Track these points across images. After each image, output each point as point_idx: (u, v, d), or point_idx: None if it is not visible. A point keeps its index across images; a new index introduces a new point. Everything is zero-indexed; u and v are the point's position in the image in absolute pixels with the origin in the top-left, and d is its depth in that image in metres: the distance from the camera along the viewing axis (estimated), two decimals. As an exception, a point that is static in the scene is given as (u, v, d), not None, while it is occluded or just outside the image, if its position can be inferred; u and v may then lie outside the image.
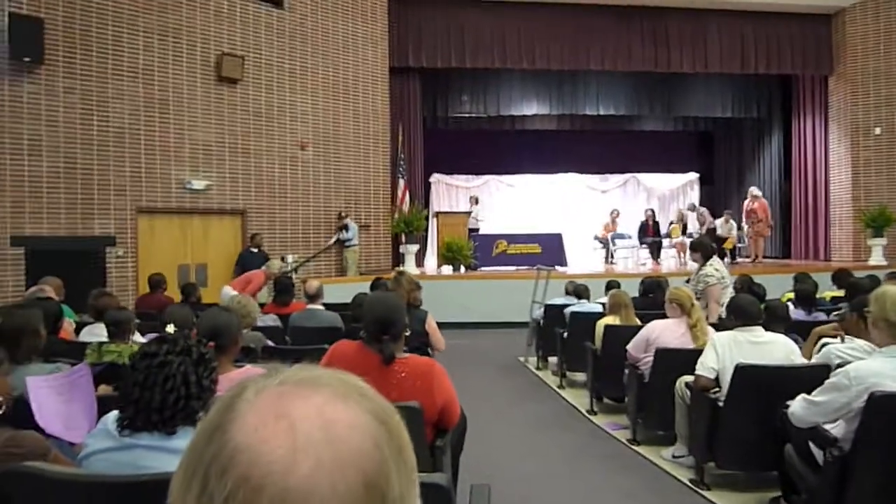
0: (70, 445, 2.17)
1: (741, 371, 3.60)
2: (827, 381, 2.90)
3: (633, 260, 13.53)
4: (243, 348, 3.26)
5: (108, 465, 1.68)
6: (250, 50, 10.37)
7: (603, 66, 13.24)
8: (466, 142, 16.38)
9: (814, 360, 3.75)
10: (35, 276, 6.98)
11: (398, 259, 12.13)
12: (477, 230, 12.88)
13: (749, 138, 16.06)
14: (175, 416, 1.66)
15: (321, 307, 5.65)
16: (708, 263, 5.83)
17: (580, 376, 6.70)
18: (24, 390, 2.28)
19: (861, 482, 2.77)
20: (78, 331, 4.66)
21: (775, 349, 3.78)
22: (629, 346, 4.81)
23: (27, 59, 8.29)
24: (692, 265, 6.53)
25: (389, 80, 12.23)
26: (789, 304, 5.85)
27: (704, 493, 3.86)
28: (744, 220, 13.06)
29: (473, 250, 11.84)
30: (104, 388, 2.89)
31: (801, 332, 4.48)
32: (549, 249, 12.34)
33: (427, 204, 13.83)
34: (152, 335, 3.16)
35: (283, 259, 10.49)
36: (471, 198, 13.32)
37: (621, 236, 13.94)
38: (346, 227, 10.86)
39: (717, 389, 3.82)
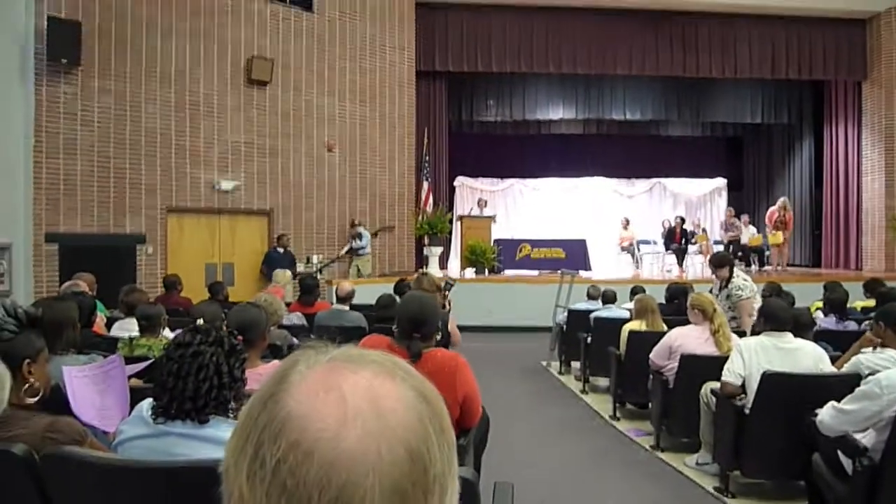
0: (104, 433, 2.23)
1: (769, 378, 3.55)
2: (857, 390, 2.85)
3: (658, 266, 13.40)
4: (270, 345, 3.31)
5: (143, 452, 1.72)
6: (280, 53, 10.53)
7: (630, 71, 13.16)
8: (491, 145, 16.40)
9: (843, 370, 3.69)
10: (68, 272, 7.15)
11: (421, 261, 12.18)
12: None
13: (779, 144, 15.82)
14: (207, 405, 1.70)
15: (346, 308, 5.70)
16: (735, 275, 5.78)
17: (603, 381, 6.65)
18: (60, 380, 2.36)
19: (891, 492, 2.72)
20: (109, 326, 4.77)
21: (804, 356, 3.72)
22: (652, 355, 4.77)
23: (64, 61, 8.53)
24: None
25: (416, 83, 12.31)
26: (819, 312, 5.76)
27: (729, 501, 3.81)
28: (769, 227, 12.82)
29: (497, 254, 11.83)
30: (135, 381, 2.95)
31: (831, 342, 4.41)
32: (574, 254, 12.27)
33: (451, 207, 13.87)
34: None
35: (308, 260, 10.61)
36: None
37: (646, 242, 13.81)
38: (359, 236, 10.83)
39: (742, 396, 3.78)
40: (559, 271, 9.25)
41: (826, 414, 2.93)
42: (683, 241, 13.03)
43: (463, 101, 14.23)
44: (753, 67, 13.12)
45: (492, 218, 12.57)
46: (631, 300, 6.77)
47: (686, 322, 4.81)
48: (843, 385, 3.14)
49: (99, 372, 2.40)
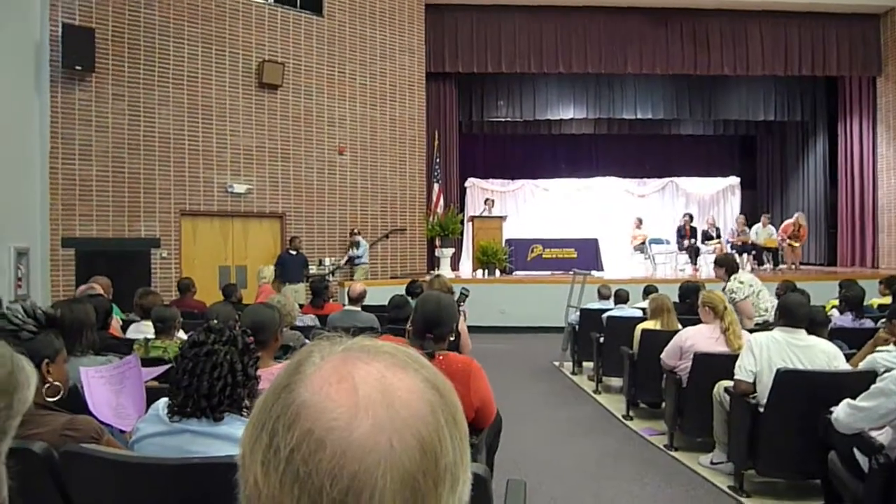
0: (120, 432, 2.27)
1: (784, 376, 3.53)
2: (873, 387, 2.82)
3: (671, 265, 13.33)
4: (282, 346, 3.33)
5: (158, 449, 1.75)
6: (290, 57, 10.60)
7: (640, 69, 13.11)
8: (502, 146, 16.40)
9: (859, 367, 3.65)
10: (84, 275, 7.24)
11: (433, 262, 12.20)
12: None
13: (793, 142, 15.68)
14: (222, 403, 1.73)
15: (358, 309, 5.73)
16: (732, 278, 5.77)
17: (616, 381, 6.63)
18: (78, 380, 2.39)
19: (909, 490, 2.69)
20: (125, 328, 4.83)
21: (817, 353, 3.69)
22: (663, 355, 4.76)
23: (79, 68, 8.65)
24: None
25: (426, 85, 12.34)
26: (834, 310, 5.71)
27: (744, 500, 3.79)
28: (782, 236, 12.74)
29: (508, 255, 11.83)
30: (152, 383, 2.99)
31: (846, 340, 4.38)
32: (585, 254, 12.25)
33: (462, 208, 13.89)
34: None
35: (320, 262, 10.66)
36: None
37: (659, 241, 13.74)
38: (356, 245, 10.76)
39: (754, 394, 3.75)
40: (571, 271, 9.23)
41: (842, 411, 2.91)
42: (693, 239, 12.96)
43: (473, 103, 14.24)
44: (766, 64, 13.02)
45: (503, 218, 12.57)
46: (644, 300, 6.75)
47: (699, 321, 4.79)
48: (859, 382, 3.11)
49: (115, 372, 2.43)
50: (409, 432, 0.50)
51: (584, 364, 7.51)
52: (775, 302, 5.31)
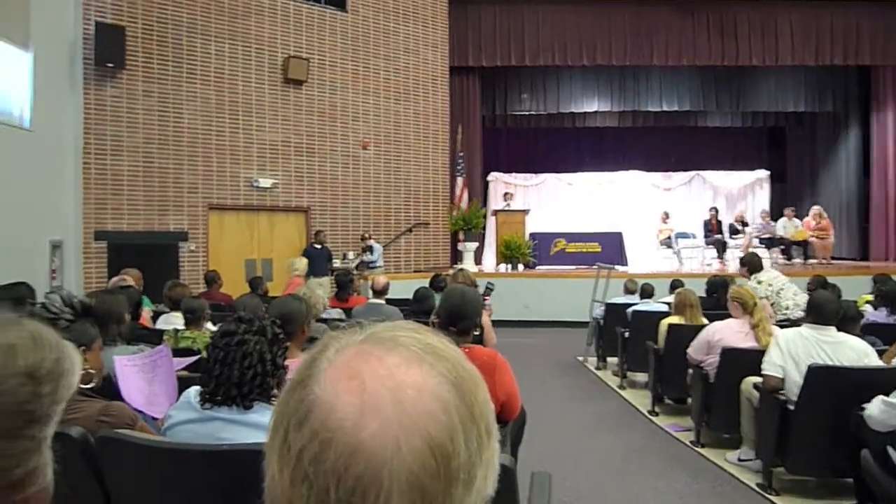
0: (152, 419, 2.32)
1: (815, 372, 3.47)
2: (907, 383, 2.77)
3: (698, 260, 13.15)
4: (310, 338, 3.37)
5: (190, 436, 1.79)
6: (315, 52, 10.67)
7: (666, 61, 12.93)
8: (525, 140, 16.31)
9: (893, 363, 3.58)
10: (116, 268, 7.40)
11: (456, 256, 12.21)
12: None
13: (824, 133, 15.31)
14: (252, 392, 1.76)
15: (383, 302, 5.76)
16: (752, 277, 5.70)
17: (641, 376, 6.58)
18: (111, 368, 2.45)
19: (944, 489, 2.64)
20: (154, 319, 4.93)
21: (847, 350, 3.62)
22: (689, 350, 4.70)
23: (110, 65, 8.82)
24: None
25: (449, 79, 12.33)
26: (867, 306, 5.59)
27: (773, 498, 3.73)
28: (809, 232, 12.49)
29: (532, 249, 11.78)
30: (183, 373, 3.05)
31: (880, 335, 4.29)
32: (609, 248, 12.15)
33: (485, 202, 13.86)
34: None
35: (344, 256, 10.74)
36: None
37: (685, 235, 13.57)
38: (370, 249, 10.65)
39: (783, 391, 3.70)
40: (595, 265, 9.16)
41: (875, 408, 2.86)
42: (720, 233, 12.77)
43: (496, 96, 14.18)
44: (796, 54, 12.75)
45: (526, 212, 12.52)
46: (670, 294, 6.68)
47: (726, 316, 4.73)
48: (893, 378, 3.05)
49: (147, 361, 2.49)
50: (418, 433, 0.49)
51: (609, 359, 7.46)
52: (804, 298, 5.22)
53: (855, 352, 3.61)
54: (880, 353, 3.80)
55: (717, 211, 13.28)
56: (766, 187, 16.51)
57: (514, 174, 16.22)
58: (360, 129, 11.20)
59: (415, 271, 11.30)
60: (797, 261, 12.43)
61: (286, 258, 10.36)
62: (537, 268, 11.90)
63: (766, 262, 12.40)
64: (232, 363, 1.76)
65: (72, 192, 8.75)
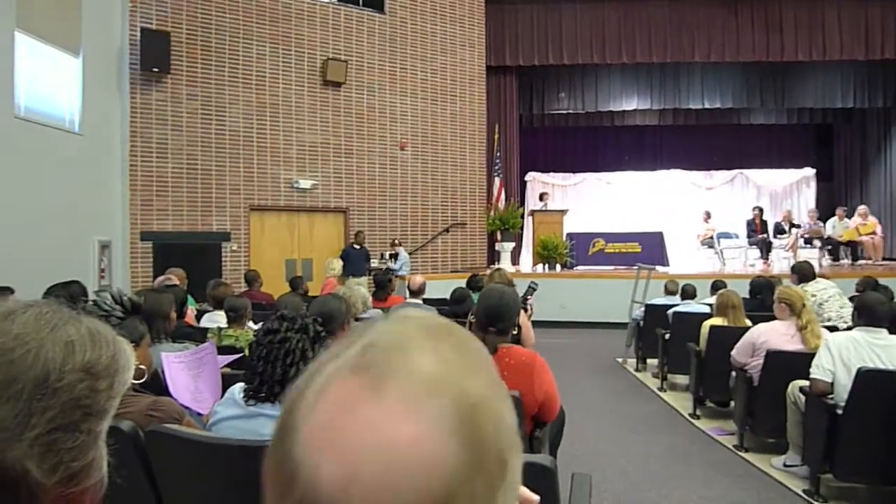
0: (198, 415, 2.38)
1: (865, 375, 3.35)
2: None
3: (741, 260, 12.84)
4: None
5: (235, 432, 1.83)
6: (353, 54, 10.79)
7: (708, 57, 12.66)
8: (563, 139, 16.19)
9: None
10: (161, 267, 7.63)
11: (493, 257, 12.18)
12: None
13: (873, 130, 14.78)
14: (295, 389, 1.79)
15: (420, 301, 5.78)
16: (801, 286, 5.55)
17: (681, 379, 6.46)
18: (159, 364, 2.53)
19: None
20: (198, 318, 5.05)
21: (901, 354, 3.49)
22: (733, 352, 4.59)
23: (156, 70, 9.07)
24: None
25: (486, 79, 12.32)
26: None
27: (820, 505, 3.63)
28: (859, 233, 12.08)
29: (569, 249, 11.68)
30: (225, 370, 3.13)
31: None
32: (650, 248, 11.95)
33: (523, 202, 13.80)
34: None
35: (382, 256, 10.83)
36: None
37: (727, 235, 13.26)
38: (395, 257, 10.54)
39: (832, 395, 3.59)
40: (635, 266, 9.03)
41: (929, 414, 2.75)
42: (765, 233, 12.44)
43: (534, 95, 14.11)
44: (845, 48, 12.33)
45: (563, 212, 12.42)
46: (712, 295, 6.54)
47: (770, 318, 4.60)
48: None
49: (193, 358, 2.56)
50: (414, 495, 0.44)
51: (649, 361, 7.34)
52: (849, 311, 5.06)
53: (909, 356, 3.48)
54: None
55: (761, 210, 12.93)
56: (813, 186, 16.03)
57: (551, 174, 16.11)
58: (398, 130, 11.28)
59: (451, 271, 11.32)
60: (845, 261, 12.03)
61: (325, 258, 10.52)
62: (575, 268, 11.78)
63: (812, 263, 12.07)
64: (275, 360, 1.79)
65: (119, 193, 9.04)
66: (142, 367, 2.03)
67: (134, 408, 1.90)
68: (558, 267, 11.50)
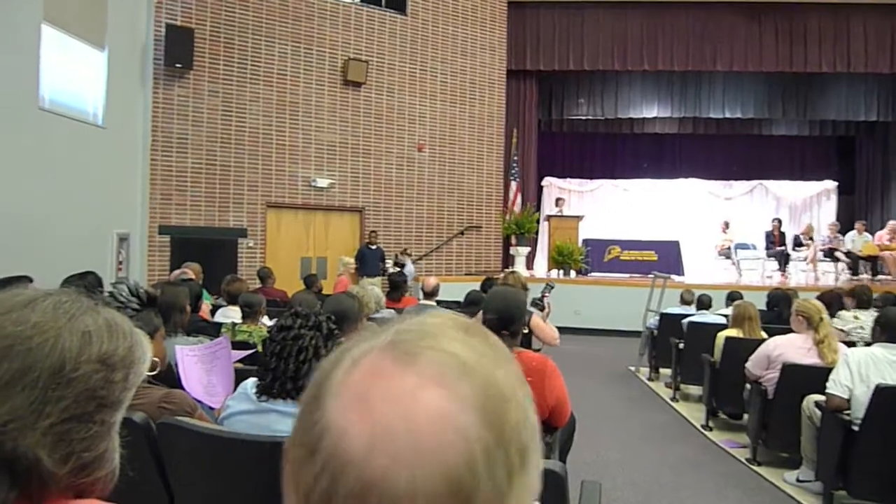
0: (210, 409, 2.39)
1: (882, 392, 3.30)
2: None
3: (758, 272, 12.69)
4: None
5: (247, 426, 1.84)
6: (374, 55, 10.83)
7: (731, 67, 12.55)
8: (581, 145, 16.12)
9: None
10: (178, 261, 7.69)
11: (508, 260, 12.15)
12: None
13: (897, 144, 14.55)
14: (307, 385, 1.79)
15: (433, 303, 5.78)
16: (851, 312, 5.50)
17: (694, 390, 6.41)
18: (172, 357, 2.55)
19: None
20: (213, 312, 5.08)
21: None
22: (748, 364, 4.54)
23: (179, 65, 9.16)
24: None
25: (506, 82, 12.31)
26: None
27: (833, 522, 3.58)
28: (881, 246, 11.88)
29: (585, 255, 11.62)
30: (238, 365, 3.14)
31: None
32: (666, 257, 11.85)
33: (539, 207, 13.75)
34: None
35: (396, 257, 10.84)
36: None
37: (745, 246, 13.11)
38: (402, 266, 10.22)
39: (848, 411, 3.53)
40: (651, 274, 8.96)
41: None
42: (783, 245, 12.29)
43: (553, 100, 14.06)
44: (869, 60, 12.16)
45: (579, 218, 12.36)
46: (728, 306, 6.47)
47: (787, 331, 4.55)
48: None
49: (207, 352, 2.57)
50: (433, 465, 0.45)
51: (662, 370, 7.29)
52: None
53: (930, 374, 3.42)
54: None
55: (780, 222, 12.78)
56: (833, 199, 15.81)
57: (568, 179, 16.04)
58: (416, 132, 11.30)
59: (466, 274, 11.31)
60: (864, 276, 11.85)
61: (340, 257, 10.57)
62: (590, 275, 11.72)
63: (829, 277, 11.85)
64: (288, 357, 1.80)
65: (139, 186, 9.14)
66: (156, 359, 2.05)
67: (146, 399, 1.92)
68: (573, 273, 11.44)
